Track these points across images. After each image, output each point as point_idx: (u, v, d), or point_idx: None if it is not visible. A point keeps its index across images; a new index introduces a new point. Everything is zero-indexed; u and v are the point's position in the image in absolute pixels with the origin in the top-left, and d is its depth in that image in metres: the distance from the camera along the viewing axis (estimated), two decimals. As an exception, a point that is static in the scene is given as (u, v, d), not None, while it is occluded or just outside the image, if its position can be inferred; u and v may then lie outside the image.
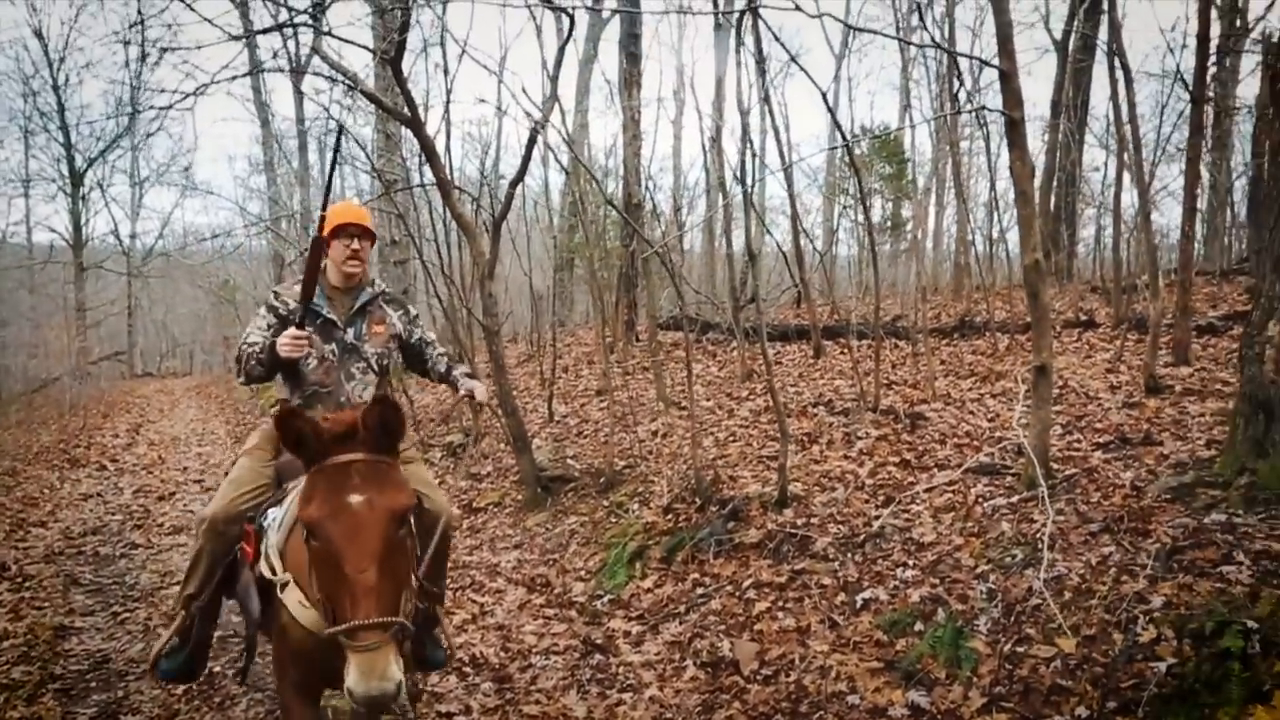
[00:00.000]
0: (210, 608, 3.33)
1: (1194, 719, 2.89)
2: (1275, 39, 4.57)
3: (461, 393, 3.39)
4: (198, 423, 16.06)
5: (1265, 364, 4.16)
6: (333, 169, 3.59)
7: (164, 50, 8.57)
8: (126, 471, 11.08)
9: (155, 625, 5.33)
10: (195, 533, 3.19)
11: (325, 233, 3.31)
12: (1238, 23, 11.74)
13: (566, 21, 7.47)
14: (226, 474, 3.44)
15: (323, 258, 3.37)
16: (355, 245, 3.37)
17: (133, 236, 31.48)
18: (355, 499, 2.20)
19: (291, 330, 3.13)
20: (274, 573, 2.72)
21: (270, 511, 2.96)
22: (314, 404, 3.25)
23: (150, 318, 36.93)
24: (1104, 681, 3.19)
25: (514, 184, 7.60)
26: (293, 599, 2.62)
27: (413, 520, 2.45)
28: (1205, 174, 13.09)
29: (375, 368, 3.43)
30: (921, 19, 10.69)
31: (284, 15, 7.21)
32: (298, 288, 3.33)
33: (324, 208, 3.29)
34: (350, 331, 3.37)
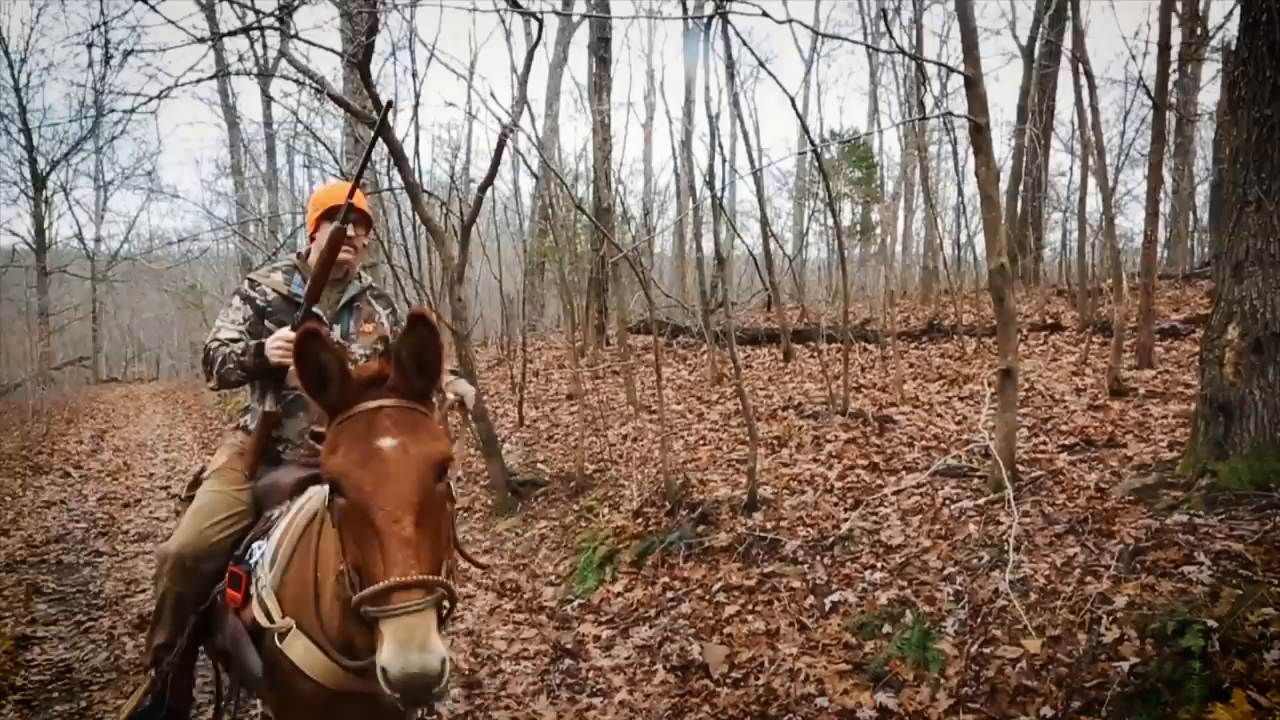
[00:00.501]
0: (186, 660, 2.82)
1: (1155, 718, 2.93)
2: (1234, 47, 4.66)
3: (451, 398, 3.04)
4: (164, 428, 15.85)
5: (1225, 367, 4.23)
6: (370, 150, 3.09)
7: (128, 53, 8.47)
8: (91, 478, 10.91)
9: (120, 634, 5.25)
10: (158, 572, 2.72)
11: (315, 215, 2.97)
12: (1198, 31, 11.96)
13: (535, 25, 7.46)
14: (182, 497, 3.03)
15: (310, 244, 3.04)
16: (350, 230, 2.92)
17: (97, 240, 31.03)
18: (387, 443, 1.88)
19: (285, 332, 2.73)
20: (270, 619, 2.29)
21: (257, 546, 2.53)
22: (295, 411, 2.88)
23: (115, 322, 36.43)
24: (1068, 681, 3.23)
25: (483, 188, 7.58)
26: (299, 648, 2.22)
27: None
28: (1168, 179, 13.32)
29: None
30: (888, 26, 10.79)
31: (250, 18, 7.15)
32: (278, 274, 2.99)
33: (350, 194, 2.86)
34: (337, 329, 2.98)
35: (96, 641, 5.21)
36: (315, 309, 2.87)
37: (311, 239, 3.01)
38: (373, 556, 1.81)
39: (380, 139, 6.99)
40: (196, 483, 2.98)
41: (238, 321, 2.94)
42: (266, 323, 2.94)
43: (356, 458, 1.87)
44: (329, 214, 2.92)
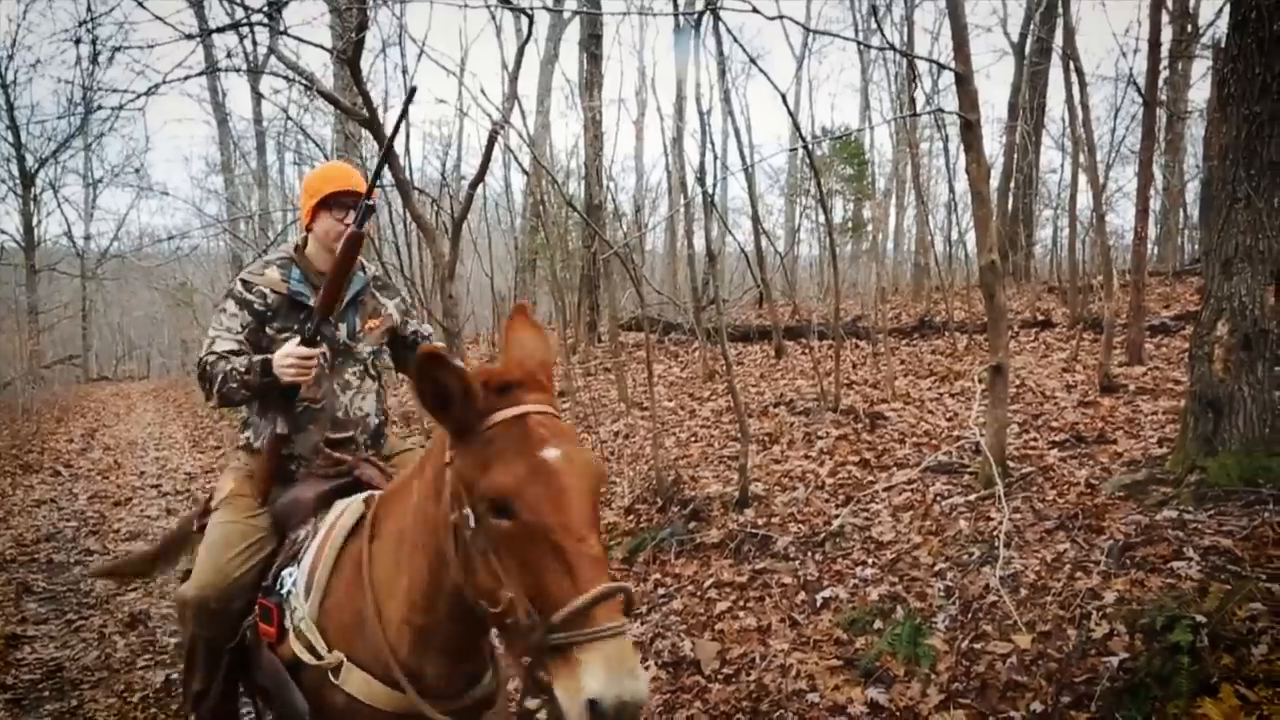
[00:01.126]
0: (226, 700, 2.57)
1: (1145, 712, 2.94)
2: (1224, 44, 4.67)
3: None
4: (155, 427, 15.80)
5: (1214, 363, 4.25)
6: (394, 133, 2.75)
7: (115, 49, 8.43)
8: (81, 477, 10.87)
9: (110, 633, 5.23)
10: (181, 618, 2.48)
11: (312, 203, 2.68)
12: (1188, 28, 11.99)
13: (526, 22, 7.44)
14: (193, 530, 2.80)
15: (307, 233, 2.76)
16: (350, 219, 2.61)
17: (87, 238, 30.90)
18: (553, 454, 1.67)
19: (294, 347, 2.45)
20: (314, 654, 2.08)
21: (287, 574, 2.29)
22: (304, 425, 2.62)
23: (105, 320, 36.28)
24: (1058, 676, 3.24)
25: (474, 185, 7.56)
26: (355, 681, 2.02)
27: None
28: (1158, 176, 13.38)
29: (373, 371, 2.78)
30: (878, 23, 10.80)
31: (240, 14, 7.11)
32: (273, 271, 2.67)
33: (369, 192, 2.57)
34: (343, 328, 2.69)
35: (87, 640, 5.19)
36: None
37: (308, 229, 2.74)
38: (556, 581, 1.58)
39: (373, 136, 6.96)
40: (206, 513, 2.76)
41: (235, 330, 2.61)
42: (268, 329, 2.64)
43: (522, 472, 1.65)
44: (327, 202, 2.66)
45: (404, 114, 2.56)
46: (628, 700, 1.47)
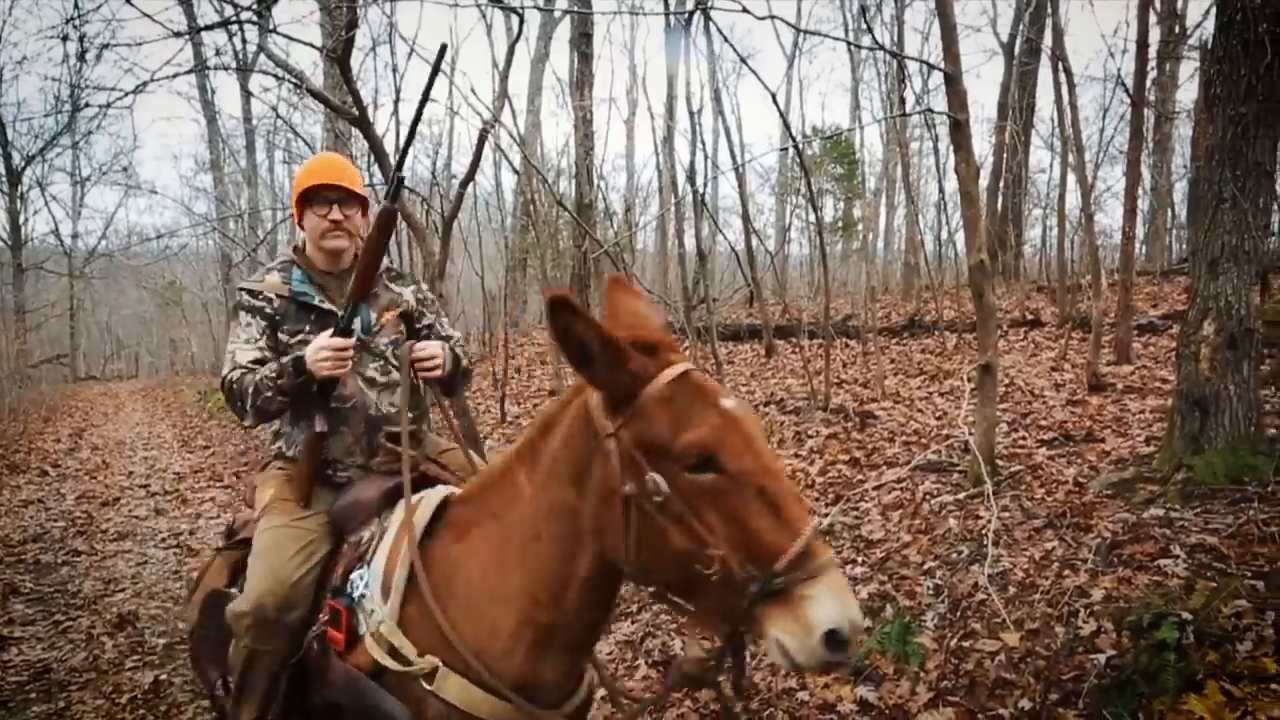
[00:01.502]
0: None
1: (1131, 709, 2.96)
2: (1210, 46, 4.71)
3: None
4: (144, 426, 15.74)
5: (1200, 362, 4.28)
6: (426, 95, 2.51)
7: (104, 47, 8.39)
8: (69, 477, 10.81)
9: (99, 634, 5.21)
10: (236, 631, 2.25)
11: (295, 198, 2.58)
12: (1176, 29, 12.06)
13: (516, 21, 7.44)
14: (220, 548, 2.68)
15: (302, 232, 2.65)
16: (334, 214, 2.54)
17: (74, 236, 30.77)
18: (733, 404, 1.67)
19: (327, 339, 2.33)
20: (400, 660, 1.93)
21: (357, 576, 2.15)
22: (338, 427, 2.49)
23: (93, 319, 36.15)
24: (1046, 674, 3.25)
25: (464, 184, 7.56)
26: (453, 687, 1.88)
27: None
28: (1146, 176, 13.43)
29: (396, 363, 2.57)
30: (868, 23, 10.83)
31: (229, 12, 7.10)
32: (274, 276, 2.57)
33: (407, 143, 2.46)
34: (357, 323, 2.49)
35: (75, 641, 5.17)
36: (329, 306, 2.53)
37: (301, 227, 2.64)
38: (769, 525, 1.55)
39: (363, 135, 6.94)
40: (232, 533, 2.66)
41: (255, 339, 2.50)
42: (280, 334, 2.53)
43: (719, 423, 1.62)
44: (308, 196, 2.55)
45: (434, 75, 2.40)
46: (858, 623, 1.50)
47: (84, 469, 11.37)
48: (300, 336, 2.50)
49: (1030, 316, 11.01)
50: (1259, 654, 2.87)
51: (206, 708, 4.15)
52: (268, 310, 2.51)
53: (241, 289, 2.58)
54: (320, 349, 2.31)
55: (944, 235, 16.48)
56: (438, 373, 2.51)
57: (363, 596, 2.07)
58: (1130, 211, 8.43)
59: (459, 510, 2.09)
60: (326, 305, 2.53)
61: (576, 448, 1.77)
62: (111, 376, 31.82)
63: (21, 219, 27.53)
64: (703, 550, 1.58)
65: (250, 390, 2.36)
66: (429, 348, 2.49)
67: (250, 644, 2.22)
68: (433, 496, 2.16)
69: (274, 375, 2.34)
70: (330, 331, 2.35)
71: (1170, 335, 8.60)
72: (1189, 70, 14.64)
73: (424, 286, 2.84)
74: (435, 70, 2.40)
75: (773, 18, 5.25)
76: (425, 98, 2.50)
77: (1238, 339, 4.15)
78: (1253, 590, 3.19)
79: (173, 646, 4.73)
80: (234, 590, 2.48)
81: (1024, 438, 5.91)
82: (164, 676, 4.46)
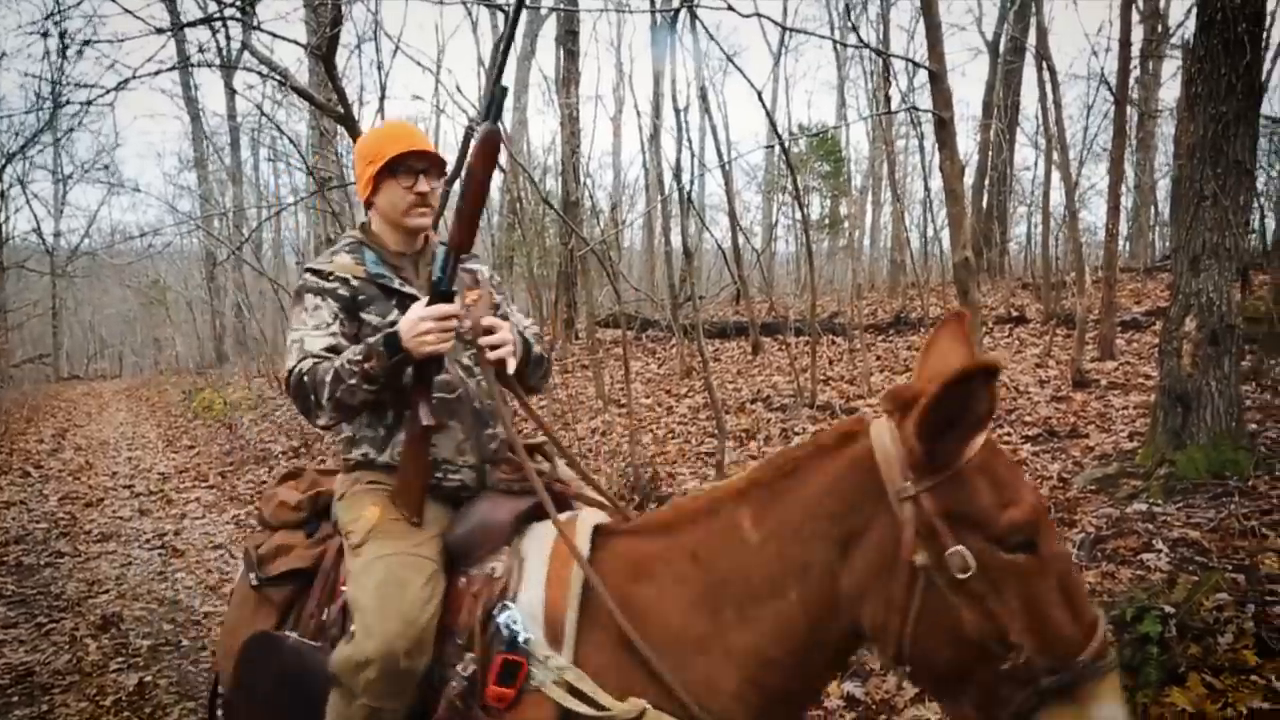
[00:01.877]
0: None
1: (1115, 702, 2.98)
2: (1192, 44, 4.74)
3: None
4: (127, 426, 15.64)
5: (1182, 358, 4.31)
6: (507, 47, 2.20)
7: (85, 43, 8.34)
8: (52, 478, 10.73)
9: (82, 636, 5.17)
10: (352, 686, 1.80)
11: (374, 170, 2.16)
12: (1159, 28, 12.15)
13: (502, 18, 7.42)
14: (261, 578, 2.23)
15: (370, 211, 2.26)
16: (422, 186, 2.15)
17: (56, 235, 30.49)
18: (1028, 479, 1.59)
19: (425, 307, 1.90)
20: (597, 706, 1.65)
21: (510, 613, 1.78)
22: (446, 420, 2.07)
23: (76, 319, 35.87)
24: (1031, 668, 3.28)
25: (449, 182, 7.47)
26: None
27: None
28: (1130, 174, 13.53)
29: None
30: (853, 25, 10.87)
31: (212, 8, 7.06)
32: (344, 257, 2.17)
33: (502, 61, 2.04)
34: (458, 284, 2.07)
35: (58, 644, 5.13)
36: (410, 289, 2.14)
37: (369, 204, 2.24)
38: (1066, 615, 1.44)
39: (348, 133, 6.92)
40: (261, 563, 2.25)
41: (327, 323, 2.09)
42: (364, 314, 2.12)
43: (1035, 501, 1.49)
44: (392, 167, 2.14)
45: (516, 13, 2.08)
46: None
47: (67, 470, 11.28)
48: (390, 318, 2.09)
49: (1015, 313, 11.06)
50: (1240, 646, 2.89)
51: (191, 709, 4.14)
52: (342, 292, 2.11)
53: (309, 270, 2.19)
54: (419, 320, 1.88)
55: (929, 232, 16.58)
56: (511, 361, 2.03)
57: (528, 641, 1.74)
58: (1114, 209, 8.49)
59: (629, 543, 1.83)
60: (408, 289, 2.14)
61: (849, 503, 1.55)
62: (95, 376, 31.59)
63: (2, 217, 27.28)
64: (1000, 637, 1.43)
65: (328, 380, 1.95)
66: (497, 327, 2.04)
67: (371, 701, 1.80)
68: (583, 522, 1.88)
69: (360, 358, 1.92)
70: (425, 301, 1.93)
71: (1153, 331, 8.65)
72: (1171, 69, 14.77)
73: (488, 267, 2.44)
74: (510, 31, 2.16)
75: (759, 16, 5.26)
76: (505, 51, 2.16)
77: (1219, 335, 4.18)
78: (1234, 584, 3.22)
79: (157, 648, 4.70)
80: (290, 633, 2.10)
81: (1009, 433, 5.94)
82: (148, 678, 4.43)
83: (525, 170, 11.76)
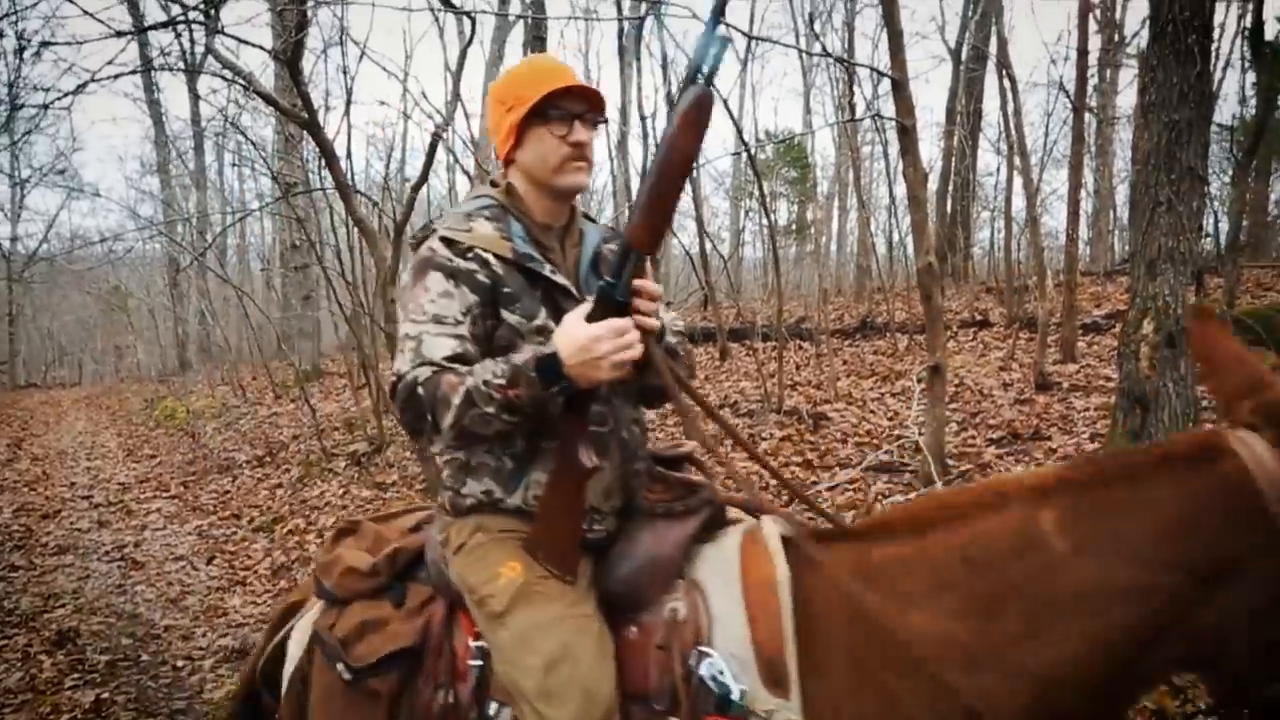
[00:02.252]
0: None
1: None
2: (1145, 54, 4.83)
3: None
4: (87, 435, 15.35)
5: (1140, 361, 4.38)
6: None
7: (44, 44, 8.20)
8: (6, 489, 10.51)
9: (36, 652, 5.06)
10: None
11: (521, 114, 1.66)
12: (1115, 37, 12.37)
13: (469, 24, 7.41)
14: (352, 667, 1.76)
15: (505, 168, 1.79)
16: (579, 134, 1.67)
17: (13, 240, 29.86)
18: None
19: (592, 322, 1.49)
20: None
21: (712, 662, 1.52)
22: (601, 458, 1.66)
23: (34, 325, 35.17)
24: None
25: (416, 188, 7.50)
26: None
27: None
28: (1089, 179, 13.77)
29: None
30: (816, 34, 10.97)
31: (175, 11, 6.96)
32: (483, 224, 1.67)
33: (695, 76, 1.50)
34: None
35: (10, 661, 5.01)
36: (561, 279, 1.69)
37: (509, 160, 1.76)
38: None
39: (313, 138, 6.86)
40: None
41: (457, 319, 1.60)
42: (504, 313, 1.65)
43: None
44: (542, 111, 1.65)
45: None
46: None
47: (23, 480, 11.05)
48: (537, 323, 1.65)
49: (979, 317, 11.18)
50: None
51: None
52: (481, 278, 1.62)
53: (441, 237, 1.65)
54: (592, 339, 1.46)
55: (895, 238, 16.71)
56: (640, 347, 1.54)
57: (744, 694, 1.48)
58: (1074, 214, 8.63)
59: (852, 550, 1.58)
60: (559, 278, 1.68)
61: (1214, 529, 1.33)
62: (53, 384, 30.97)
63: (-42, 223, 26.76)
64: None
65: (456, 401, 1.51)
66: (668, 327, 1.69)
67: None
68: (768, 536, 1.64)
69: (503, 382, 1.49)
70: (588, 307, 1.51)
71: (1113, 334, 8.79)
72: (1128, 77, 15.07)
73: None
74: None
75: (725, 24, 5.29)
76: None
77: (1175, 338, 4.26)
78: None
79: (115, 664, 4.61)
80: None
81: (973, 437, 6.00)
82: (105, 695, 4.34)
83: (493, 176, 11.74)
